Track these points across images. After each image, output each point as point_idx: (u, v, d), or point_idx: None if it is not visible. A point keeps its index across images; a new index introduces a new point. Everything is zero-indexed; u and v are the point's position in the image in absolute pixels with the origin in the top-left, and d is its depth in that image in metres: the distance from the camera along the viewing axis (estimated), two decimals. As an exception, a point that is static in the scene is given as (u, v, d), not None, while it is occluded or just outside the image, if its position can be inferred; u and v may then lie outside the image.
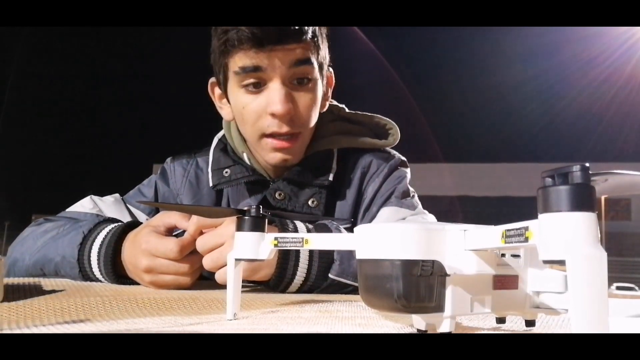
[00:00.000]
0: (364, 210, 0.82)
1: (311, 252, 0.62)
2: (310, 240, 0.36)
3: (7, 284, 0.56)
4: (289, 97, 0.72)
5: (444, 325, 0.28)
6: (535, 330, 0.34)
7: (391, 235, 0.28)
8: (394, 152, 0.89)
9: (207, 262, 0.58)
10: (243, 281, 0.41)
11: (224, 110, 0.83)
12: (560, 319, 0.41)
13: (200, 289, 0.61)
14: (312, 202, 0.78)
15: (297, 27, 0.69)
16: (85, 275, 0.67)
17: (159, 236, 0.62)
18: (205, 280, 0.68)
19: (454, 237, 0.28)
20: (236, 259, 0.39)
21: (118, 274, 0.65)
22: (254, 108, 0.73)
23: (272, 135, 0.74)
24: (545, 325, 0.38)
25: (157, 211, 0.80)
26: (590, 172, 0.22)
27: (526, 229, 0.24)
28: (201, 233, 0.61)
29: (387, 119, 0.89)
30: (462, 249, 0.28)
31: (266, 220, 0.40)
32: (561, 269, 0.24)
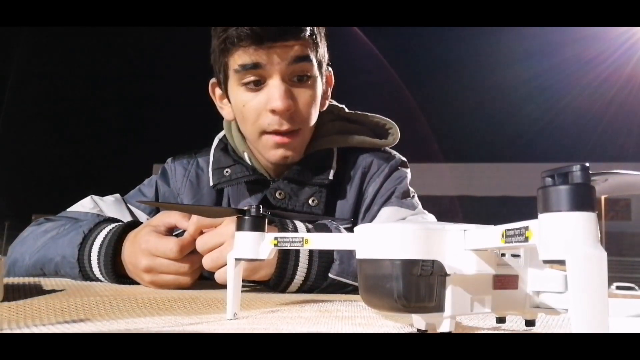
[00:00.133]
0: (365, 210, 0.82)
1: (311, 251, 0.62)
2: (310, 240, 0.36)
3: (7, 283, 0.56)
4: (288, 94, 0.72)
5: (444, 325, 0.28)
6: (535, 330, 0.34)
7: (391, 235, 0.28)
8: (394, 152, 0.89)
9: (207, 262, 0.58)
10: (243, 281, 0.41)
11: (225, 110, 0.83)
12: (560, 319, 0.41)
13: (200, 289, 0.61)
14: (313, 201, 0.78)
15: None
16: (85, 275, 0.67)
17: (159, 236, 0.62)
18: (205, 280, 0.68)
19: (454, 237, 0.28)
20: (236, 259, 0.39)
21: (118, 273, 0.65)
22: (254, 105, 0.73)
23: (273, 133, 0.74)
24: (545, 325, 0.38)
25: (157, 211, 0.80)
26: (590, 172, 0.22)
27: (526, 228, 0.24)
28: (201, 233, 0.61)
29: (387, 118, 0.89)
30: (462, 248, 0.28)
31: (266, 220, 0.40)
32: (561, 268, 0.24)
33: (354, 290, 0.63)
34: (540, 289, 0.31)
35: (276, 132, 0.74)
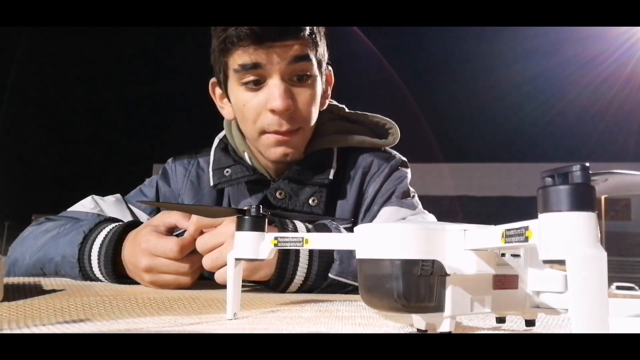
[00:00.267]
0: (365, 210, 0.82)
1: (311, 251, 0.62)
2: (310, 240, 0.36)
3: (7, 283, 0.56)
4: (288, 93, 0.72)
5: (444, 325, 0.28)
6: (535, 330, 0.34)
7: (391, 235, 0.28)
8: (394, 152, 0.89)
9: (207, 262, 0.58)
10: (243, 281, 0.41)
11: (225, 110, 0.83)
12: (560, 319, 0.41)
13: (200, 289, 0.61)
14: (313, 200, 0.78)
15: None
16: (86, 274, 0.67)
17: (159, 236, 0.62)
18: (205, 280, 0.68)
19: (454, 237, 0.28)
20: (236, 259, 0.39)
21: (118, 273, 0.65)
22: (254, 105, 0.73)
23: (273, 132, 0.74)
24: (545, 325, 0.38)
25: (158, 211, 0.80)
26: (590, 172, 0.22)
27: (526, 228, 0.24)
28: (201, 233, 0.61)
29: (387, 118, 0.89)
30: (462, 248, 0.28)
31: (266, 219, 0.40)
32: (561, 268, 0.24)
33: (354, 290, 0.63)
34: (540, 289, 0.31)
35: (276, 132, 0.74)
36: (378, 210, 0.80)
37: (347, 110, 0.89)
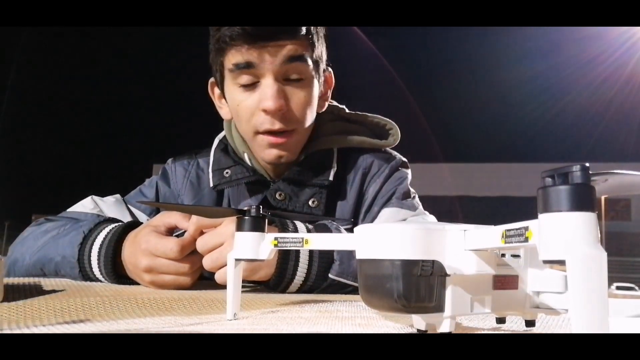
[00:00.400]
0: (365, 210, 0.82)
1: (311, 252, 0.62)
2: (310, 241, 0.36)
3: (7, 284, 0.56)
4: (281, 94, 0.72)
5: (444, 325, 0.28)
6: (535, 330, 0.34)
7: (391, 235, 0.28)
8: (395, 153, 0.89)
9: (207, 262, 0.58)
10: (243, 281, 0.41)
11: (223, 109, 0.83)
12: (560, 319, 0.41)
13: (200, 289, 0.61)
14: (313, 202, 0.78)
15: None
16: (85, 275, 0.67)
17: (159, 236, 0.62)
18: (205, 280, 0.68)
19: (454, 237, 0.28)
20: (236, 259, 0.39)
21: (118, 274, 0.65)
22: (247, 105, 0.73)
23: (266, 132, 0.74)
24: (545, 325, 0.38)
25: (158, 212, 0.80)
26: (590, 172, 0.22)
27: (526, 229, 0.24)
28: (201, 233, 0.61)
29: (387, 119, 0.89)
30: (462, 249, 0.28)
31: (266, 220, 0.40)
32: (561, 269, 0.24)
33: (354, 291, 0.63)
34: (540, 289, 0.31)
35: (269, 132, 0.74)
36: (378, 211, 0.80)
37: (347, 110, 0.89)
